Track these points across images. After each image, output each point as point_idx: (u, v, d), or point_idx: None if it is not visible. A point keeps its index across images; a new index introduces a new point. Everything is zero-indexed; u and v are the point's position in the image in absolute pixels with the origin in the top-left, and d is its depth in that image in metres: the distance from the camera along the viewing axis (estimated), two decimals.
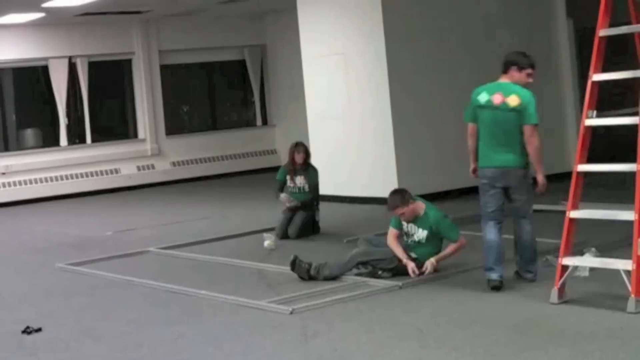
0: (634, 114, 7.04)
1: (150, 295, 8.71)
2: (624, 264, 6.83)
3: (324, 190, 12.30)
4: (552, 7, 14.95)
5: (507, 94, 7.74)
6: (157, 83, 19.36)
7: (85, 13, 16.44)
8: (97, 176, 18.44)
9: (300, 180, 11.57)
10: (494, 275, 7.73)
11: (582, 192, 7.31)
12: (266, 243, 10.70)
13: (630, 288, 6.67)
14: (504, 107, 7.73)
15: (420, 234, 8.50)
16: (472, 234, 10.60)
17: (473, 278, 8.25)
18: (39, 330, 7.52)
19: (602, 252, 8.23)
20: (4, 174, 17.67)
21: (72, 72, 18.43)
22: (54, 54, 18.20)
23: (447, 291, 7.87)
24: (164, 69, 19.56)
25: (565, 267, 7.13)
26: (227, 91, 21.60)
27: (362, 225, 11.83)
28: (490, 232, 7.88)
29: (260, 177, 19.08)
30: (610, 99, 13.29)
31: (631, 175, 6.91)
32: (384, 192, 12.85)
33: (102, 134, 19.05)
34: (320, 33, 14.47)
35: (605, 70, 7.34)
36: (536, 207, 11.65)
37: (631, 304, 6.64)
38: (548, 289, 7.21)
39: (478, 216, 11.58)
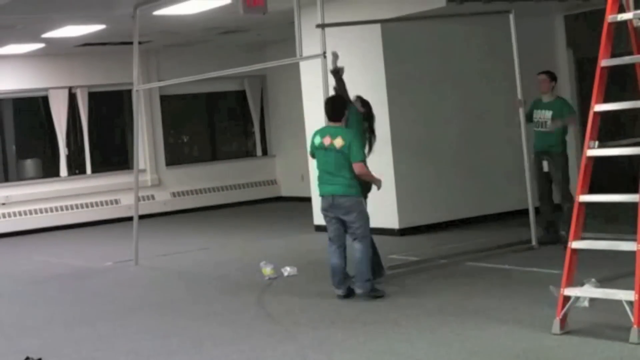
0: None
1: (150, 326, 8.68)
2: (626, 295, 6.80)
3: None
4: (552, 37, 15.00)
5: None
6: (157, 113, 19.42)
7: (85, 44, 16.49)
8: (97, 207, 18.45)
9: None
10: (340, 292, 9.07)
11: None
12: (265, 272, 10.65)
13: (633, 319, 6.64)
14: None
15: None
16: (475, 264, 10.60)
17: (472, 309, 8.23)
18: None
19: (602, 283, 8.21)
20: (4, 204, 17.66)
21: (72, 102, 18.48)
22: (54, 85, 18.26)
23: (447, 322, 7.83)
24: (164, 99, 19.61)
25: (567, 298, 7.10)
26: (227, 121, 21.61)
27: None
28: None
29: (260, 208, 19.09)
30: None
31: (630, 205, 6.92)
32: (384, 223, 12.93)
33: (102, 165, 19.07)
34: (319, 64, 14.45)
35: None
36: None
37: (634, 335, 6.60)
38: (549, 319, 7.18)
39: (485, 249, 11.58)
